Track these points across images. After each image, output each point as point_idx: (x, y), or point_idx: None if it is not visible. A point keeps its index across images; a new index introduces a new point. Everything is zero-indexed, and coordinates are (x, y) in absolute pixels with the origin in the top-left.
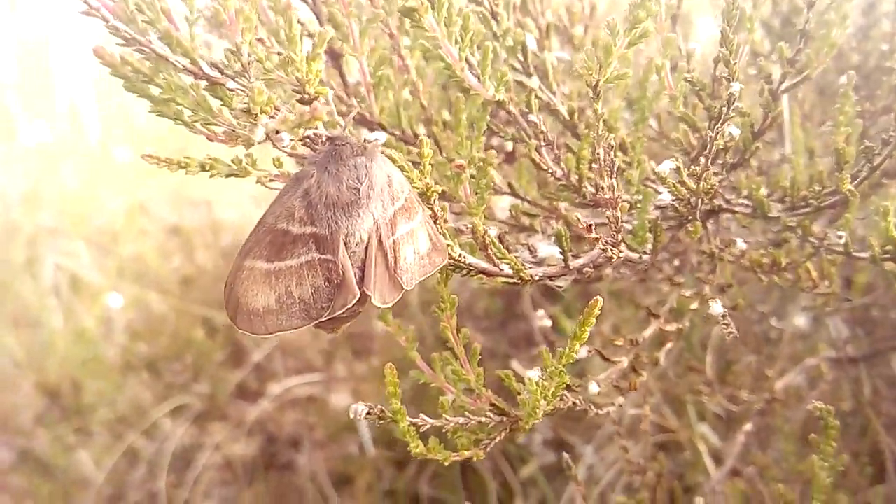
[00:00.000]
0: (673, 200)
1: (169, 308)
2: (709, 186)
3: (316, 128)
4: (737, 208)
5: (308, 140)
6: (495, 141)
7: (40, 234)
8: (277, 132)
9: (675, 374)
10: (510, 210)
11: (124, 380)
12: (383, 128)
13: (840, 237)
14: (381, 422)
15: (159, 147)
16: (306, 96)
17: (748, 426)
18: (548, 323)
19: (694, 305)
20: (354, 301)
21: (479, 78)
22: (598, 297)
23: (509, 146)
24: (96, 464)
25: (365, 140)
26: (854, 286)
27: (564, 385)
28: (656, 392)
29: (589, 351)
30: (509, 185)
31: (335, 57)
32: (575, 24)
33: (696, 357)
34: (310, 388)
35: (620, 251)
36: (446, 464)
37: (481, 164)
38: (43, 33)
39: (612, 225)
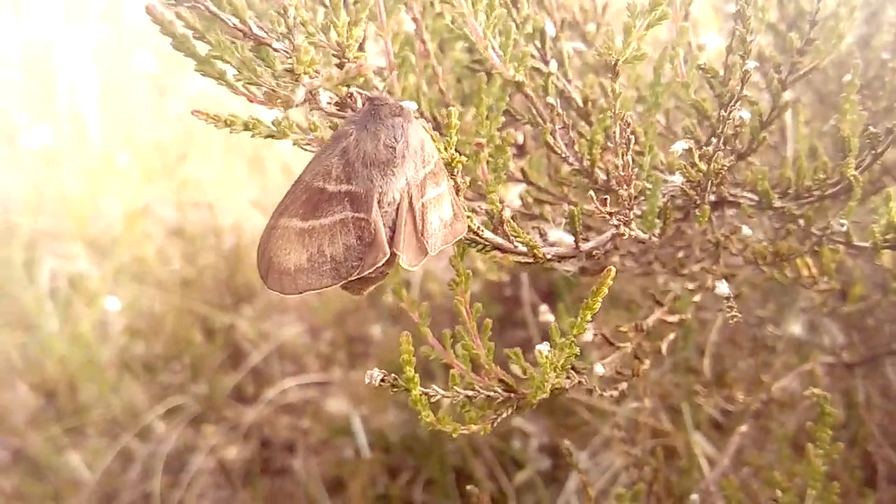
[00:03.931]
0: (683, 183)
1: (168, 308)
2: (719, 167)
3: (358, 85)
4: (742, 200)
5: (346, 102)
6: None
7: (40, 237)
8: (315, 94)
9: (671, 381)
10: (521, 197)
11: (120, 381)
12: None
13: (842, 225)
14: (395, 389)
15: (161, 152)
16: (346, 60)
17: (744, 427)
18: (550, 318)
19: (696, 298)
20: (384, 260)
21: (500, 59)
22: (612, 267)
23: (520, 138)
24: (89, 465)
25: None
26: (850, 295)
27: (573, 357)
28: (653, 397)
29: (595, 334)
30: (522, 171)
31: None
32: (588, 21)
33: (694, 361)
34: (306, 392)
35: (631, 230)
36: (455, 435)
37: (500, 143)
38: (46, 37)
39: (626, 202)
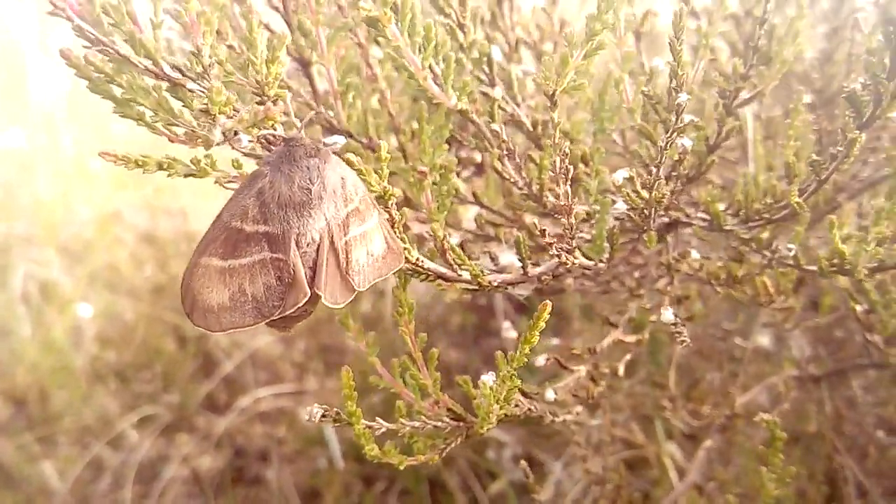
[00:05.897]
0: (627, 210)
1: (139, 317)
2: (660, 196)
3: (271, 127)
4: (694, 221)
5: (265, 141)
6: (465, 153)
7: (12, 242)
8: (235, 133)
9: (643, 392)
10: (475, 219)
11: (92, 389)
12: (351, 136)
13: (790, 250)
14: (337, 424)
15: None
16: (265, 98)
17: (709, 442)
18: (513, 335)
19: (653, 317)
20: (305, 300)
21: (442, 87)
22: (547, 301)
23: (478, 158)
24: (60, 474)
25: (322, 143)
26: (820, 307)
27: (517, 389)
28: (625, 409)
29: (547, 359)
30: (474, 194)
31: (305, 65)
32: (545, 40)
33: (663, 374)
34: (280, 401)
35: (575, 258)
36: (401, 467)
37: (443, 171)
38: (17, 41)
39: (567, 232)
